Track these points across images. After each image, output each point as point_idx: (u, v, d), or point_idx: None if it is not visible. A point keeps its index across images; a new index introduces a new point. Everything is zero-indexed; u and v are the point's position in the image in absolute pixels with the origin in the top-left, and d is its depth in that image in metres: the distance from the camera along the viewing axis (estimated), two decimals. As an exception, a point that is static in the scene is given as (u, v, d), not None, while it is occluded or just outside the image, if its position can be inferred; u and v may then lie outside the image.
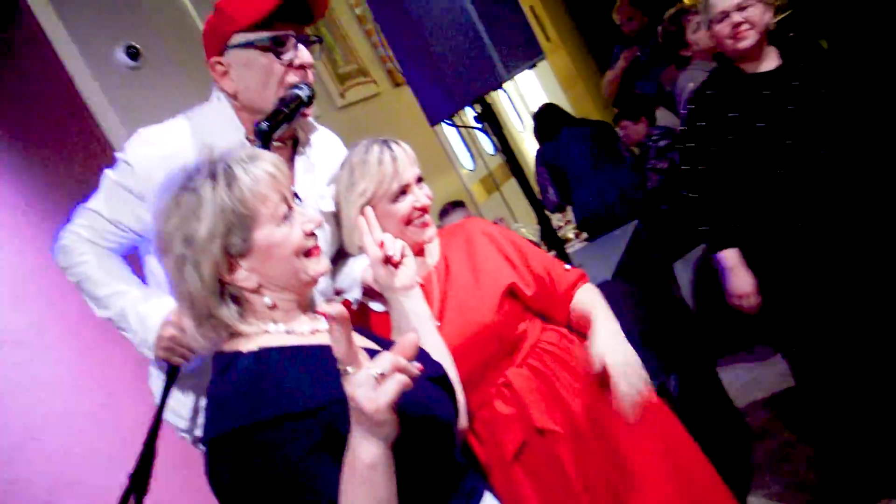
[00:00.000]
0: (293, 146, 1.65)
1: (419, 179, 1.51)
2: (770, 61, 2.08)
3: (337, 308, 0.84)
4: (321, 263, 1.10)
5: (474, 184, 5.05)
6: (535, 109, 4.15)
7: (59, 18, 2.65)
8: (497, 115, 2.32)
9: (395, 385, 0.83)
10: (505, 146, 2.23)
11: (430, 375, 1.10)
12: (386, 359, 0.85)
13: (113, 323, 1.63)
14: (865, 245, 2.05)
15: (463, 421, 1.25)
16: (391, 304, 1.28)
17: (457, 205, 3.65)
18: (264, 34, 1.49)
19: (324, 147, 1.72)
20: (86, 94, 2.65)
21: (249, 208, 1.00)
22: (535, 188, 3.76)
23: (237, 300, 1.04)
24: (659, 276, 2.95)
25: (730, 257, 2.17)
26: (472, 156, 5.20)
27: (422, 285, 1.37)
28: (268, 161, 1.04)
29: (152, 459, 1.51)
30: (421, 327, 1.24)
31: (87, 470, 2.07)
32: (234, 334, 1.05)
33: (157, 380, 1.77)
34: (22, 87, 2.51)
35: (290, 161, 1.63)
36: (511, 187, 5.36)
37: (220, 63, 1.55)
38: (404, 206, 1.47)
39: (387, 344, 1.11)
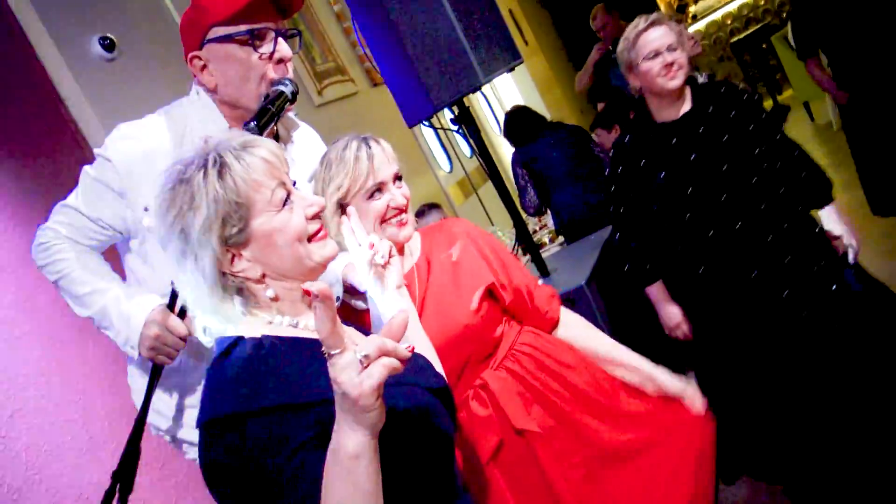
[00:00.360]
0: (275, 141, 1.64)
1: (398, 178, 1.50)
2: (684, 105, 2.15)
3: (320, 285, 0.80)
4: (327, 247, 1.06)
5: (451, 186, 5.06)
6: (506, 111, 4.14)
7: (33, 6, 2.62)
8: (474, 117, 2.33)
9: (380, 369, 0.80)
10: (482, 149, 2.24)
11: (432, 387, 1.08)
12: (372, 341, 0.81)
13: (94, 321, 1.61)
14: (765, 289, 2.12)
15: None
16: (378, 303, 1.27)
17: (433, 206, 3.65)
18: (242, 27, 1.48)
19: (305, 143, 1.72)
20: (59, 84, 2.61)
21: (243, 196, 0.97)
22: (512, 191, 3.78)
23: (241, 292, 1.02)
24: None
25: (654, 293, 2.28)
26: (448, 158, 5.21)
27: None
28: (263, 147, 1.01)
29: (137, 457, 1.49)
30: (410, 328, 1.23)
31: (56, 468, 2.04)
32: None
33: (138, 378, 1.75)
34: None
35: None
36: (488, 190, 5.37)
37: (198, 57, 1.54)
38: (380, 203, 1.46)
39: None
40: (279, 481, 0.89)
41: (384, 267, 1.23)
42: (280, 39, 1.53)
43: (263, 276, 1.02)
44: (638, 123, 2.23)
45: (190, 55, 1.56)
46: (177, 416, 1.71)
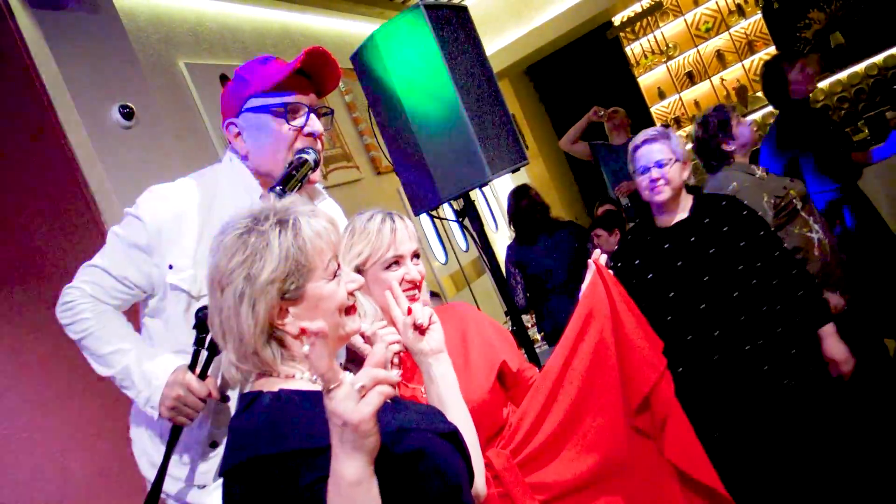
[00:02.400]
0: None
1: (415, 255, 1.56)
2: (682, 213, 2.28)
3: (318, 324, 0.88)
4: (356, 322, 1.16)
5: (444, 277, 5.10)
6: (513, 189, 4.16)
7: (58, 68, 2.71)
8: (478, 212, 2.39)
9: (377, 395, 0.88)
10: (484, 243, 2.28)
11: (440, 431, 1.13)
12: (365, 373, 0.90)
13: (115, 381, 1.62)
14: (740, 395, 2.16)
15: (480, 487, 1.25)
16: (421, 368, 1.31)
17: (433, 295, 3.68)
18: (278, 100, 1.57)
19: (328, 210, 1.78)
20: (77, 147, 2.67)
21: (309, 259, 1.07)
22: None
23: (279, 343, 1.09)
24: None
25: None
26: (444, 250, 5.28)
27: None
28: (324, 217, 1.11)
29: None
30: (448, 392, 1.27)
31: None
32: (263, 374, 1.09)
33: (143, 436, 1.74)
34: (12, 133, 2.52)
35: None
36: (480, 285, 5.42)
37: (234, 124, 1.62)
38: (395, 275, 1.51)
39: None
40: None
41: (423, 333, 1.27)
42: (312, 115, 1.61)
43: (302, 333, 1.08)
44: (641, 225, 2.36)
45: (227, 122, 1.63)
46: (182, 474, 1.68)
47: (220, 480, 1.65)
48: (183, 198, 1.62)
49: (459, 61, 2.23)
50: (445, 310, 1.70)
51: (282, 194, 1.47)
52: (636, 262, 2.29)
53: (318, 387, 1.09)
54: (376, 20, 5.67)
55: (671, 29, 8.32)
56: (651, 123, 8.19)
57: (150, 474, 1.72)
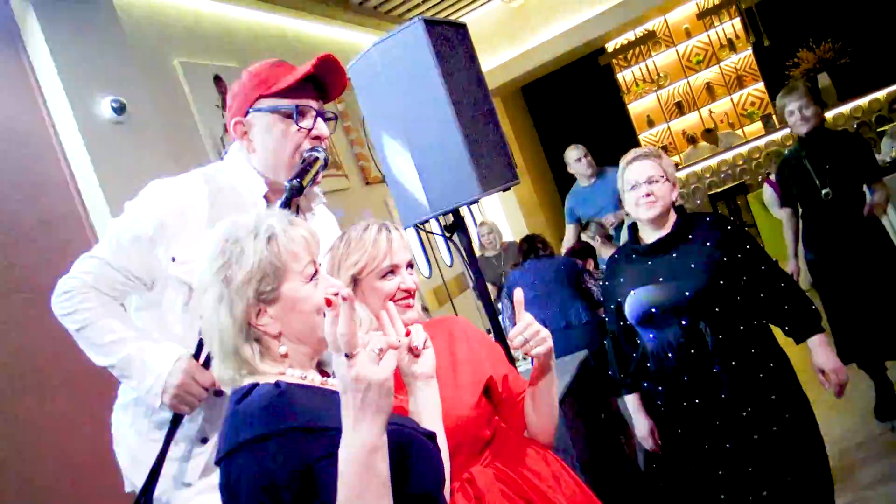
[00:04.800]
0: (295, 212, 1.70)
1: (410, 265, 1.57)
2: (664, 230, 2.27)
3: (347, 290, 0.95)
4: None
5: (427, 292, 5.10)
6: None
7: (52, 57, 2.68)
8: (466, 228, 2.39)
9: (392, 358, 0.98)
10: (471, 258, 2.28)
11: (424, 432, 1.19)
12: (379, 338, 0.98)
13: (114, 370, 1.60)
14: (732, 408, 2.15)
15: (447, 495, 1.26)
16: (408, 388, 1.33)
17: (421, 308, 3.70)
18: (288, 102, 1.60)
19: (323, 218, 1.82)
20: (65, 138, 2.65)
21: (282, 262, 1.13)
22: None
23: (258, 342, 1.14)
24: (601, 405, 2.99)
25: (631, 402, 2.35)
26: (429, 264, 5.28)
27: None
28: (303, 227, 1.18)
29: None
30: (430, 416, 1.31)
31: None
32: (252, 372, 1.14)
33: (125, 427, 1.72)
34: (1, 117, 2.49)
35: None
36: (462, 301, 5.42)
37: (241, 123, 1.63)
38: (391, 284, 1.52)
39: None
40: (295, 496, 0.98)
41: (418, 355, 1.28)
42: (319, 119, 1.64)
43: (280, 333, 1.14)
44: (628, 244, 2.37)
45: (234, 120, 1.64)
46: (170, 471, 1.65)
47: (206, 480, 1.65)
48: (187, 193, 1.62)
49: (456, 78, 2.24)
50: (435, 324, 1.70)
51: (299, 187, 1.53)
52: (621, 279, 2.30)
53: (308, 382, 1.15)
54: (373, 32, 5.69)
55: (663, 59, 8.44)
56: (639, 150, 8.29)
57: (131, 470, 1.69)
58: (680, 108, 8.48)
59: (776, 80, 7.47)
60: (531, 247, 4.00)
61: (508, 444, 1.61)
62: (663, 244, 2.25)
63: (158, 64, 3.56)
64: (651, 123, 8.56)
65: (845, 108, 7.05)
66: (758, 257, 2.23)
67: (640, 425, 2.33)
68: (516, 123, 8.29)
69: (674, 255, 2.22)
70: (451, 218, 2.33)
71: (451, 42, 2.28)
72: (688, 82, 8.38)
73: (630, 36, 8.24)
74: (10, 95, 2.58)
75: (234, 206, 1.59)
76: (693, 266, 2.18)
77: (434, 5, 5.93)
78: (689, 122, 8.47)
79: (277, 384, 1.10)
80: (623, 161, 2.33)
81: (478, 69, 2.37)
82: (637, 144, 8.31)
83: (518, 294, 1.51)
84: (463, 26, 2.38)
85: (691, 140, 8.35)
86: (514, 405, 1.64)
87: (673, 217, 2.28)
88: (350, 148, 4.97)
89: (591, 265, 4.08)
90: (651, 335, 2.24)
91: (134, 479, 1.69)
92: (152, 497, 1.53)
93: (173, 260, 1.59)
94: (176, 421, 1.56)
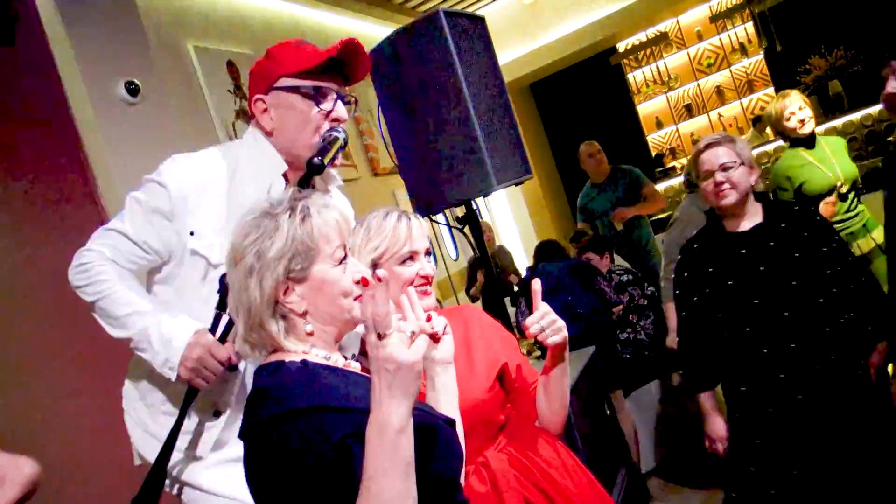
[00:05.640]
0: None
1: (428, 252, 1.60)
2: (754, 218, 2.20)
3: (383, 272, 0.98)
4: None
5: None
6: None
7: (69, 38, 2.69)
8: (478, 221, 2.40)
9: (423, 341, 1.00)
10: (482, 250, 2.29)
11: (445, 419, 1.21)
12: (410, 322, 1.03)
13: (131, 343, 1.60)
14: (824, 407, 2.08)
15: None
16: (426, 373, 1.35)
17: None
18: (310, 83, 1.61)
19: (338, 202, 1.80)
20: (80, 120, 2.65)
21: (314, 242, 1.15)
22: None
23: (284, 320, 1.16)
24: (600, 401, 3.00)
25: (704, 401, 2.25)
26: (434, 257, 5.27)
27: None
28: (337, 211, 1.20)
29: (162, 483, 1.52)
30: (447, 401, 1.33)
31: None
32: (276, 350, 1.16)
33: (135, 401, 1.73)
34: (18, 101, 2.50)
35: None
36: (465, 297, 5.42)
37: (262, 101, 1.65)
38: (410, 270, 1.55)
39: None
40: (320, 472, 0.99)
41: (437, 341, 1.29)
42: (339, 101, 1.65)
43: (306, 312, 1.16)
44: (708, 231, 2.27)
45: (255, 97, 1.65)
46: (182, 444, 1.65)
47: (217, 454, 1.65)
48: (207, 168, 1.63)
49: (474, 70, 2.25)
50: (451, 312, 1.74)
51: (320, 164, 1.55)
52: (709, 269, 2.20)
53: (331, 363, 1.17)
54: (386, 24, 5.68)
55: (674, 61, 8.41)
56: (647, 151, 8.27)
57: (141, 444, 1.70)
58: (689, 111, 8.45)
59: (786, 85, 7.44)
60: (546, 251, 3.99)
61: (521, 431, 1.64)
62: (758, 233, 2.17)
63: (173, 48, 3.56)
64: (660, 125, 8.53)
65: (855, 116, 7.03)
66: (843, 251, 2.17)
67: (716, 426, 2.24)
68: (524, 121, 8.28)
69: (771, 243, 2.15)
70: (450, 214, 2.34)
71: (470, 35, 2.29)
72: (698, 85, 8.35)
73: (642, 37, 8.22)
74: (29, 74, 2.59)
75: (253, 183, 1.61)
76: (797, 256, 2.12)
77: (448, -1, 5.93)
78: (698, 124, 8.45)
79: (304, 363, 1.11)
80: (694, 149, 2.27)
81: (494, 63, 2.38)
82: (645, 145, 8.30)
83: (535, 284, 1.52)
84: (481, 20, 2.39)
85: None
86: (527, 394, 1.66)
87: (758, 206, 2.21)
88: (360, 138, 4.97)
89: (607, 260, 4.02)
90: (747, 328, 2.15)
91: (144, 453, 1.70)
92: (165, 470, 1.54)
93: (192, 234, 1.60)
94: (191, 394, 1.56)
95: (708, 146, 2.21)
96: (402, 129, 2.26)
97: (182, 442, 1.64)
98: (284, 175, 1.66)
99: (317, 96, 1.61)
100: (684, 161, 8.34)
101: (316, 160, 1.55)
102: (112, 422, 1.79)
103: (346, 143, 1.65)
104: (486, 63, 2.35)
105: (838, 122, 6.93)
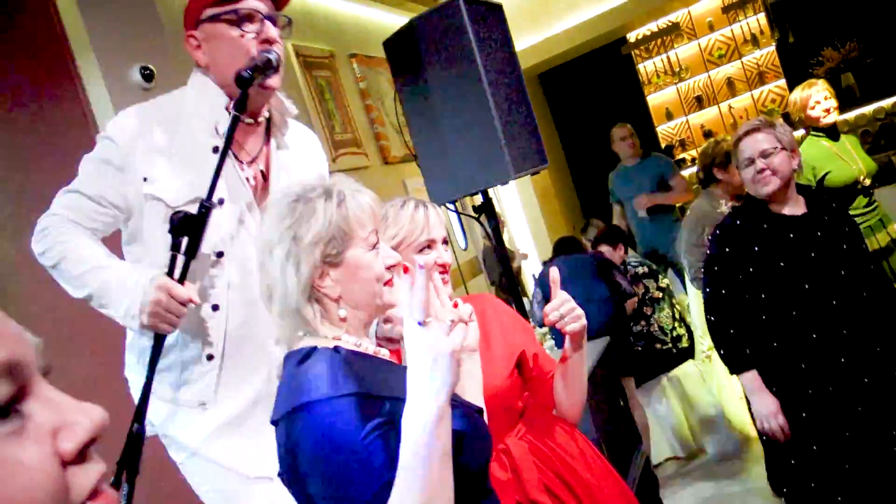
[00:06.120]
0: (267, 126, 1.75)
1: (445, 241, 1.60)
2: (797, 207, 2.19)
3: (425, 258, 1.00)
4: (394, 294, 1.23)
5: (440, 274, 5.09)
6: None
7: (84, 23, 2.68)
8: (493, 210, 2.39)
9: (461, 330, 1.01)
10: (498, 240, 2.29)
11: (475, 408, 1.23)
12: (451, 311, 1.04)
13: (91, 301, 1.58)
14: (870, 394, 2.09)
15: None
16: None
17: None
18: (231, 7, 1.60)
19: (298, 134, 1.84)
20: (95, 104, 2.65)
21: (350, 227, 1.16)
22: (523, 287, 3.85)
23: (318, 303, 1.17)
24: (616, 390, 3.00)
25: (749, 380, 2.19)
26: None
27: None
28: (369, 195, 1.22)
29: (142, 438, 1.50)
30: (472, 388, 1.34)
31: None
32: (310, 333, 1.17)
33: (135, 366, 1.73)
34: (33, 85, 2.50)
35: (266, 139, 1.74)
36: (474, 286, 5.42)
37: (193, 37, 1.66)
38: (428, 259, 1.55)
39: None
40: (354, 460, 1.00)
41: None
42: (268, 23, 1.64)
43: (339, 297, 1.17)
44: (750, 210, 2.22)
45: (187, 34, 1.67)
46: (186, 395, 1.66)
47: (216, 412, 1.64)
48: (151, 114, 1.66)
49: (492, 58, 2.24)
50: (469, 300, 1.73)
51: (249, 77, 1.54)
52: (755, 248, 2.16)
53: (362, 350, 1.18)
54: (402, 12, 5.65)
55: (684, 51, 8.36)
56: (656, 143, 8.23)
57: (151, 412, 1.69)
58: (699, 102, 8.41)
59: (798, 77, 7.38)
60: (564, 246, 4.00)
61: (539, 420, 1.64)
62: (806, 221, 2.16)
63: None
64: (670, 116, 8.49)
65: (868, 109, 6.99)
66: (868, 255, 2.22)
67: (766, 403, 2.16)
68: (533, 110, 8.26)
69: (818, 233, 2.14)
70: (459, 204, 2.33)
71: (488, 22, 2.28)
72: (708, 76, 8.30)
73: (653, 27, 8.17)
74: (44, 59, 2.58)
75: (198, 121, 1.63)
76: (846, 247, 2.12)
77: (459, -13, 5.88)
78: (708, 116, 8.41)
79: (337, 349, 1.12)
80: (733, 137, 2.24)
81: (512, 50, 2.37)
82: (655, 136, 8.26)
83: (554, 273, 1.52)
84: (499, 7, 2.37)
85: (707, 135, 8.31)
86: (544, 383, 1.66)
87: (800, 197, 2.20)
88: (371, 126, 4.95)
89: (620, 251, 3.99)
90: (794, 312, 2.12)
91: (153, 419, 1.70)
92: (144, 422, 1.51)
93: (145, 180, 1.60)
94: (159, 340, 1.52)
95: (747, 133, 2.18)
96: (420, 116, 2.26)
97: (186, 393, 1.65)
98: (227, 109, 1.64)
99: (242, 20, 1.60)
100: (694, 153, 8.30)
101: (245, 73, 1.54)
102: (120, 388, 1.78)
103: (278, 66, 1.62)
104: (504, 50, 2.34)
105: (850, 115, 6.89)
